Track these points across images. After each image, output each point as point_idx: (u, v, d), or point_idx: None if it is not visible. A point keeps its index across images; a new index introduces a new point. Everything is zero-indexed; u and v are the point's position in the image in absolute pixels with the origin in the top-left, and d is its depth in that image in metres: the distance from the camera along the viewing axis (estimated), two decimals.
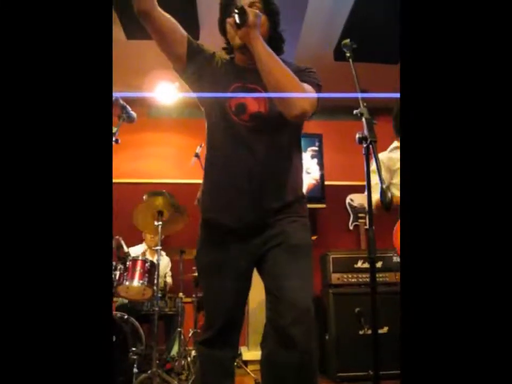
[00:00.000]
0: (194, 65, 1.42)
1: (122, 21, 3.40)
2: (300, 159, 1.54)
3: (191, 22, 3.40)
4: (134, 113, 1.80)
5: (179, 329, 3.17)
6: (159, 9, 1.33)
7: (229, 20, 1.39)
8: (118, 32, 3.56)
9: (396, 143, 2.62)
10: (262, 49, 1.29)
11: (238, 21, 1.27)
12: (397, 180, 2.50)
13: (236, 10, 1.27)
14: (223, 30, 1.50)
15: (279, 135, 1.42)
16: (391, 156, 2.59)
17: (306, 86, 1.37)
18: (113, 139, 1.63)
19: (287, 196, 1.43)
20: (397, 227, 2.59)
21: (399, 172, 2.49)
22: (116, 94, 1.94)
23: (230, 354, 1.46)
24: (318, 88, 1.43)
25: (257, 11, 1.33)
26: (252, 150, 1.39)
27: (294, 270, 1.35)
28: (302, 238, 1.42)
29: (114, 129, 1.65)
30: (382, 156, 2.59)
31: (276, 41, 1.49)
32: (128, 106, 1.78)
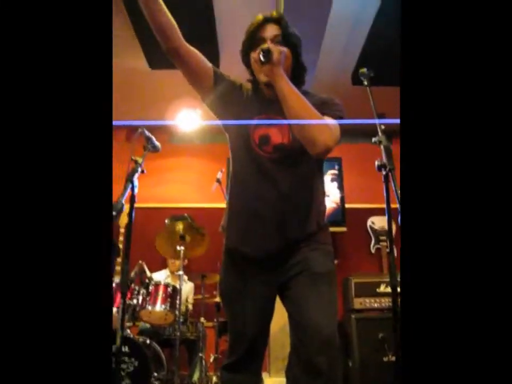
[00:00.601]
0: (220, 94, 1.43)
1: (145, 51, 3.52)
2: (322, 187, 1.55)
3: (211, 50, 3.50)
4: (158, 144, 1.86)
5: (200, 354, 3.16)
6: (186, 44, 1.36)
7: (254, 56, 1.41)
8: (141, 62, 3.68)
9: None
10: (286, 87, 1.30)
11: (262, 59, 1.29)
12: None
13: (262, 50, 1.30)
14: (246, 62, 1.51)
15: (302, 165, 1.44)
16: None
17: (328, 120, 1.38)
18: (140, 169, 1.69)
19: (310, 226, 1.44)
20: None
21: None
22: (140, 123, 2.00)
23: (252, 380, 1.46)
24: (341, 120, 1.45)
25: (282, 48, 1.34)
26: (275, 181, 1.40)
27: (317, 298, 1.35)
28: (324, 265, 1.42)
29: (140, 160, 1.71)
30: None
31: (298, 72, 1.52)
32: (153, 137, 1.84)
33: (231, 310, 1.50)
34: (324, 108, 1.42)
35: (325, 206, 1.54)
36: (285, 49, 1.36)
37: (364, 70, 1.61)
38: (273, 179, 1.40)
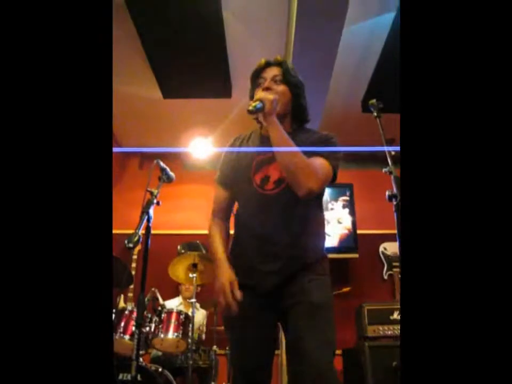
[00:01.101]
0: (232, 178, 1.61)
1: (158, 80, 3.62)
2: (322, 218, 1.63)
3: (224, 85, 3.58)
4: (173, 174, 1.91)
5: (213, 383, 3.13)
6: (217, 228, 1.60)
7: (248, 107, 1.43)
8: (155, 91, 3.78)
9: None
10: (276, 135, 1.40)
11: (252, 109, 1.36)
12: None
13: (252, 103, 1.37)
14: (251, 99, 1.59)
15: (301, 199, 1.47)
16: None
17: (318, 162, 1.46)
18: (155, 201, 1.73)
19: (307, 258, 1.50)
20: None
21: None
22: (154, 150, 2.04)
23: None
24: (336, 160, 1.50)
25: (274, 96, 1.41)
26: (275, 216, 1.49)
27: (312, 329, 1.38)
28: (319, 296, 1.45)
29: (155, 191, 1.75)
30: None
31: (298, 112, 1.61)
32: (167, 168, 1.89)
33: (233, 338, 1.53)
34: (321, 147, 1.50)
35: (324, 237, 1.62)
36: (276, 96, 1.43)
37: (373, 101, 1.65)
38: (273, 214, 1.49)
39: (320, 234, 1.60)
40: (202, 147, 4.37)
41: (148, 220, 1.69)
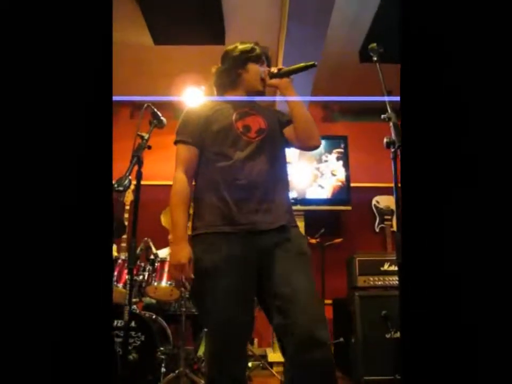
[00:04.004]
0: (204, 134, 1.63)
1: (149, 26, 3.47)
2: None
3: (217, 26, 3.46)
4: (164, 119, 1.86)
5: (205, 329, 3.20)
6: (184, 180, 1.59)
7: (265, 70, 1.69)
8: (145, 37, 3.63)
9: None
10: (295, 95, 1.64)
11: (276, 72, 1.65)
12: None
13: (277, 68, 1.67)
14: (234, 76, 1.70)
15: (279, 147, 1.68)
16: None
17: None
18: (146, 145, 1.69)
19: (288, 206, 1.63)
20: None
21: None
22: (145, 98, 1.99)
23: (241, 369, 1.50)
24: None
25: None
26: (262, 161, 1.57)
27: (302, 275, 1.46)
28: (305, 244, 1.58)
29: (146, 136, 1.71)
30: None
31: None
32: (158, 113, 1.84)
33: (213, 290, 1.49)
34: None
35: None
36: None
37: (374, 45, 1.59)
38: (257, 158, 1.56)
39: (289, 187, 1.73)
40: (195, 96, 4.26)
41: (139, 165, 1.65)
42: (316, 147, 1.69)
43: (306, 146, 1.69)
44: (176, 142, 1.65)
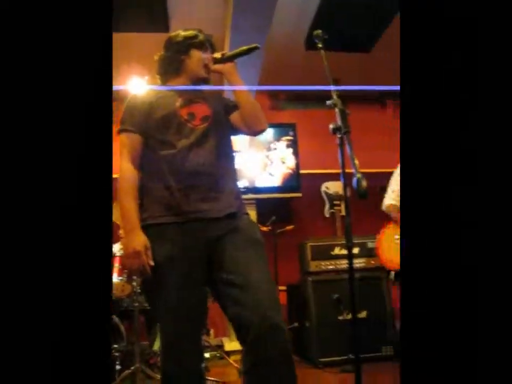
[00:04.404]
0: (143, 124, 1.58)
1: None
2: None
3: (160, 14, 3.38)
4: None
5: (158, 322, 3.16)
6: (130, 175, 1.54)
7: (208, 56, 1.65)
8: None
9: None
10: (240, 81, 1.61)
11: (221, 56, 1.61)
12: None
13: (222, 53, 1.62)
14: (177, 63, 1.66)
15: (225, 134, 1.65)
16: None
17: None
18: None
19: (238, 194, 1.61)
20: (380, 239, 2.64)
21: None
22: None
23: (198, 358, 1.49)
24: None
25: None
26: (208, 149, 1.54)
27: (258, 262, 1.46)
28: (257, 231, 1.56)
29: None
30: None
31: None
32: None
33: (159, 284, 1.46)
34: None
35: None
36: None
37: (319, 32, 1.60)
38: (202, 146, 1.54)
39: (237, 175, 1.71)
40: (139, 85, 4.15)
41: None
42: (263, 131, 1.67)
43: (253, 131, 1.66)
44: (119, 131, 1.60)
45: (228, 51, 3.31)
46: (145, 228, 1.48)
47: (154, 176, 1.53)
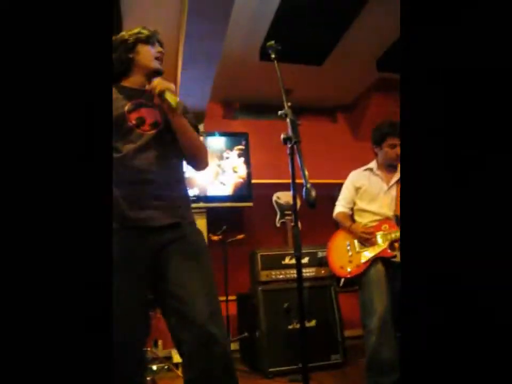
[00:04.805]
0: None
1: None
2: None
3: (114, 21, 3.31)
4: None
5: None
6: None
7: (157, 49, 1.65)
8: None
9: (372, 164, 2.73)
10: (183, 123, 1.56)
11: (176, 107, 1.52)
12: (359, 196, 2.63)
13: (174, 101, 1.50)
14: (127, 61, 1.63)
15: (173, 143, 1.59)
16: (362, 173, 2.73)
17: (201, 140, 1.70)
18: None
19: (185, 202, 1.60)
20: (330, 247, 2.69)
21: (362, 190, 2.62)
22: None
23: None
24: (196, 130, 1.68)
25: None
26: (154, 156, 1.52)
27: (201, 272, 1.46)
28: (201, 241, 1.57)
29: None
30: (355, 172, 2.73)
31: None
32: None
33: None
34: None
35: None
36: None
37: (272, 43, 1.62)
38: (152, 154, 1.52)
39: (185, 182, 1.70)
40: None
41: None
42: (204, 169, 1.69)
43: (195, 168, 1.69)
44: None
45: (182, 59, 3.29)
46: None
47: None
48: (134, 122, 1.54)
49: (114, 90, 1.61)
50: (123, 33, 1.67)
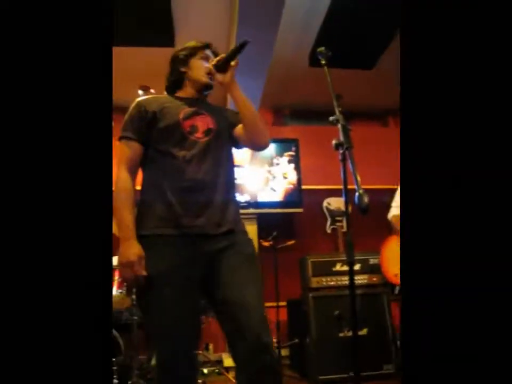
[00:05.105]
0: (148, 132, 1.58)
1: None
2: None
3: (166, 27, 3.42)
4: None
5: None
6: (128, 177, 1.53)
7: (212, 62, 1.64)
8: None
9: None
10: (240, 93, 1.60)
11: (220, 63, 1.59)
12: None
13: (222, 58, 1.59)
14: (179, 76, 1.70)
15: (227, 148, 1.65)
16: None
17: None
18: None
19: (237, 209, 1.61)
20: (383, 254, 2.62)
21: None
22: None
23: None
24: None
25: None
26: (209, 163, 1.54)
27: (253, 280, 1.47)
28: (252, 248, 1.57)
29: None
30: None
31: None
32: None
33: (153, 301, 1.43)
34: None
35: None
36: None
37: (322, 49, 1.61)
38: (203, 160, 1.54)
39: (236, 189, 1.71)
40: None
41: None
42: (266, 145, 1.67)
43: (256, 144, 1.67)
44: (120, 138, 1.57)
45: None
46: (141, 239, 1.46)
47: (153, 187, 1.52)
48: (188, 129, 1.57)
49: (169, 98, 1.66)
50: (179, 47, 1.73)
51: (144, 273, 1.39)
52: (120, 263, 1.41)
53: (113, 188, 1.46)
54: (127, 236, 1.43)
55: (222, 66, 1.59)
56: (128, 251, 1.40)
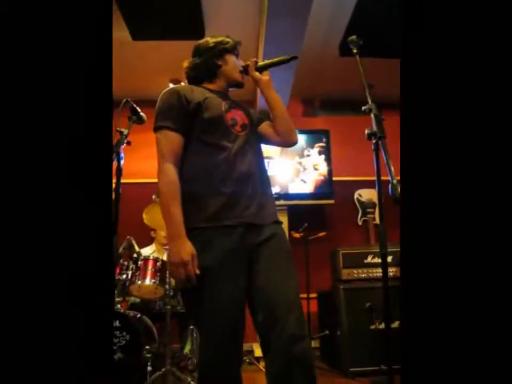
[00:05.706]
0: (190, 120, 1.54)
1: (127, 21, 3.42)
2: None
3: (196, 19, 3.43)
4: (144, 115, 1.84)
5: (191, 327, 3.19)
6: (172, 170, 1.48)
7: (252, 60, 1.70)
8: (123, 32, 3.58)
9: None
10: (273, 92, 1.70)
11: (257, 66, 1.69)
12: None
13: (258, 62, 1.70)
14: (214, 68, 1.69)
15: (259, 143, 1.68)
16: None
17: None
18: (125, 141, 1.67)
19: (274, 202, 1.63)
20: None
21: None
22: (123, 98, 1.97)
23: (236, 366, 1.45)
24: None
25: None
26: (250, 155, 1.56)
27: (290, 274, 1.48)
28: (287, 241, 1.57)
29: (125, 131, 1.69)
30: None
31: None
32: (138, 108, 1.82)
33: (206, 292, 1.41)
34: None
35: None
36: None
37: (354, 37, 1.59)
38: (246, 153, 1.55)
39: None
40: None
41: (118, 161, 1.63)
42: (296, 142, 1.74)
43: (287, 142, 1.73)
44: (158, 128, 1.51)
45: (262, 58, 3.34)
46: (191, 232, 1.42)
47: (202, 178, 1.48)
48: (230, 122, 1.57)
49: (203, 90, 1.63)
50: (207, 39, 1.71)
51: (197, 272, 1.37)
52: (173, 263, 1.38)
53: (159, 182, 1.45)
54: (178, 234, 1.39)
55: (261, 69, 1.68)
56: (181, 250, 1.37)
